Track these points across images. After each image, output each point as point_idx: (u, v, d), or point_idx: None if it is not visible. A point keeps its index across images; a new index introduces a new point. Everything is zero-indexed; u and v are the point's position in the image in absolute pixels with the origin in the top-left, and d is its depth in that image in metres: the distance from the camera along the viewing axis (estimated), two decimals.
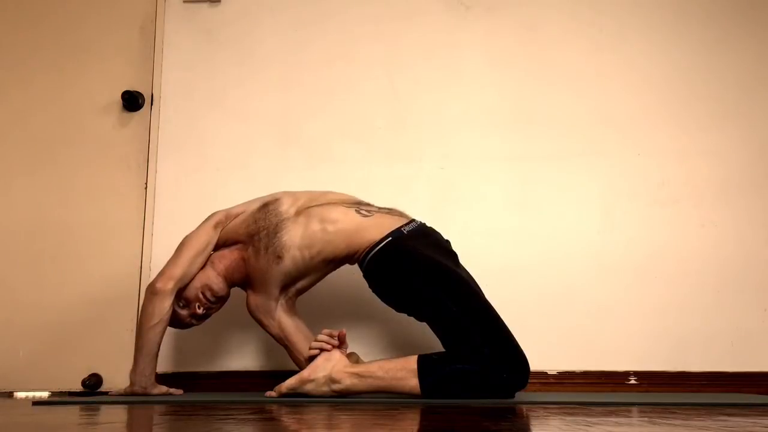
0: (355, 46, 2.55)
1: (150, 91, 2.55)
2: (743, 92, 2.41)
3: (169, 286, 1.90)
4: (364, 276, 1.91)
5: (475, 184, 2.42)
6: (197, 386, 2.31)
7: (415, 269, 1.81)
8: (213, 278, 1.95)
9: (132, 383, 1.91)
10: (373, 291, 1.91)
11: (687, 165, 2.38)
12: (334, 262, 1.94)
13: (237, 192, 2.22)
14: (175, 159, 2.51)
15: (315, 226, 1.90)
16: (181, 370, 2.37)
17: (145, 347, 1.90)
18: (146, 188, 2.49)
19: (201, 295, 1.94)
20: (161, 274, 1.93)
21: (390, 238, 1.86)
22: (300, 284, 1.98)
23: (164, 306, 1.89)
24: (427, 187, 2.42)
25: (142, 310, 1.92)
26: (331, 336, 1.75)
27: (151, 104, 2.55)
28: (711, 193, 2.36)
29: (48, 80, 2.61)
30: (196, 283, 1.95)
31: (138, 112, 2.55)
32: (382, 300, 1.91)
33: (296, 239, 1.89)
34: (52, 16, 2.66)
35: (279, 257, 1.89)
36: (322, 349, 1.74)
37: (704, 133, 2.40)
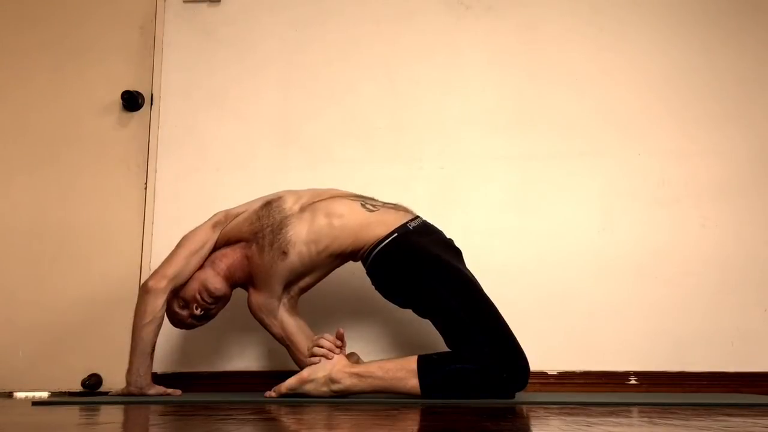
0: (355, 46, 2.55)
1: (150, 91, 2.55)
2: (743, 92, 2.41)
3: (161, 284, 1.89)
4: (368, 272, 1.90)
5: (475, 184, 2.42)
6: (197, 386, 2.31)
7: (421, 265, 1.81)
8: (211, 278, 1.94)
9: (128, 384, 1.90)
10: (376, 287, 1.91)
11: (687, 165, 2.38)
12: (340, 257, 1.93)
13: (237, 192, 2.22)
14: (175, 159, 2.51)
15: (321, 221, 1.90)
16: (182, 370, 2.37)
17: (139, 346, 1.89)
18: (146, 188, 2.48)
19: (198, 296, 1.93)
20: (155, 272, 1.93)
21: (396, 234, 1.86)
22: (303, 282, 1.97)
23: (157, 304, 1.88)
24: (427, 187, 2.42)
25: (135, 309, 1.91)
26: (334, 344, 1.74)
27: (151, 104, 2.55)
28: (711, 193, 2.36)
29: (48, 80, 2.61)
30: (194, 284, 1.94)
31: (138, 112, 2.55)
32: (385, 296, 1.91)
33: (302, 234, 1.89)
34: (53, 16, 2.66)
35: (284, 253, 1.88)
36: (325, 357, 1.73)
37: (704, 132, 2.40)
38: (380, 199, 2.02)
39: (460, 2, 2.55)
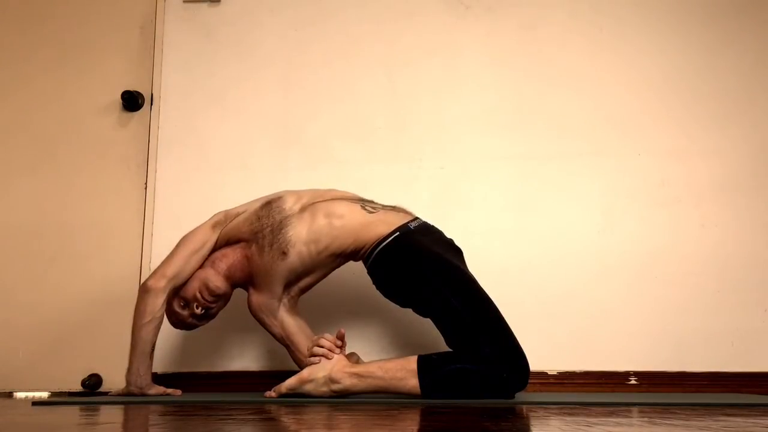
0: (355, 46, 2.55)
1: (150, 91, 2.55)
2: (744, 92, 2.41)
3: (161, 284, 1.89)
4: (369, 271, 1.90)
5: (475, 184, 2.42)
6: (197, 386, 2.31)
7: (423, 264, 1.81)
8: (211, 277, 1.94)
9: (128, 383, 1.90)
10: (377, 286, 1.91)
11: (687, 165, 2.38)
12: (341, 257, 1.93)
13: (237, 192, 2.22)
14: (175, 159, 2.51)
15: (321, 221, 1.90)
16: (182, 370, 2.37)
17: (138, 346, 1.89)
18: (146, 188, 2.49)
19: (199, 295, 1.93)
20: (154, 272, 1.93)
21: (398, 233, 1.86)
22: (303, 282, 1.97)
23: (156, 303, 1.88)
24: (427, 187, 2.42)
25: (135, 309, 1.92)
26: (334, 343, 1.74)
27: (151, 104, 2.55)
28: (711, 193, 2.36)
29: (48, 80, 2.61)
30: (194, 283, 1.94)
31: (138, 112, 2.55)
32: (385, 295, 1.91)
33: (302, 234, 1.89)
34: (52, 16, 2.66)
35: (284, 253, 1.88)
36: (325, 357, 1.73)
37: (704, 132, 2.40)
38: (379, 202, 2.02)
39: (460, 2, 2.55)
